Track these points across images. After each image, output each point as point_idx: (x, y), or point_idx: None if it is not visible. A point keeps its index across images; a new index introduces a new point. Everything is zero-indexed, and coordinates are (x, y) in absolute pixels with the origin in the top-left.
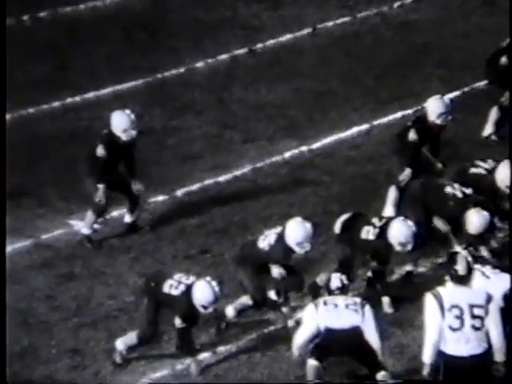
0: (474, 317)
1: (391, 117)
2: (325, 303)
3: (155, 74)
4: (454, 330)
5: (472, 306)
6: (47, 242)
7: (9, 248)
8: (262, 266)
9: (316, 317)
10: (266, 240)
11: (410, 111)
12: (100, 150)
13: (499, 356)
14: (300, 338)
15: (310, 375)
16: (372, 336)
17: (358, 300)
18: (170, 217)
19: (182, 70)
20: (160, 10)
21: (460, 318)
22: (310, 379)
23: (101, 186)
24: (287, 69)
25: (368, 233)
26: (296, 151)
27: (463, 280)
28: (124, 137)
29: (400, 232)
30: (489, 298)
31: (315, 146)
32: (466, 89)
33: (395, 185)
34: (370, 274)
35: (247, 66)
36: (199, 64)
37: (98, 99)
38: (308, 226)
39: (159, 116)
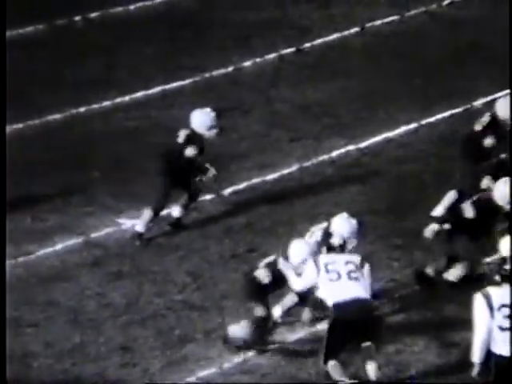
0: None
1: (439, 116)
2: (326, 269)
3: (203, 73)
4: (503, 329)
5: None
6: (97, 241)
7: (59, 246)
8: None
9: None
10: (312, 236)
11: (458, 110)
12: (191, 151)
13: None
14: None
15: (336, 375)
16: None
17: (357, 260)
18: (217, 216)
19: (229, 69)
20: (207, 10)
21: (510, 317)
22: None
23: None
24: (335, 68)
25: None
26: (343, 150)
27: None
28: (207, 135)
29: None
30: None
31: (362, 145)
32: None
33: (456, 190)
34: None
35: (295, 65)
36: (246, 63)
37: (147, 98)
38: (353, 221)
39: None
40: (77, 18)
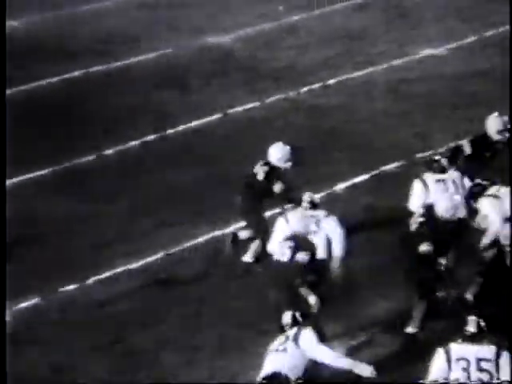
0: (481, 370)
1: None
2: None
3: (65, 160)
4: (457, 380)
5: (479, 360)
6: None
7: None
8: None
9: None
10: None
11: (321, 194)
12: (278, 187)
13: None
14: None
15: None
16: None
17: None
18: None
19: (91, 157)
20: (69, 96)
21: (466, 370)
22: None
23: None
24: (198, 154)
25: None
26: (209, 236)
27: (474, 339)
28: (283, 167)
29: None
30: (499, 353)
31: (227, 230)
32: (373, 172)
33: None
34: None
35: (158, 151)
36: (110, 151)
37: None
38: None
39: (67, 202)
40: None
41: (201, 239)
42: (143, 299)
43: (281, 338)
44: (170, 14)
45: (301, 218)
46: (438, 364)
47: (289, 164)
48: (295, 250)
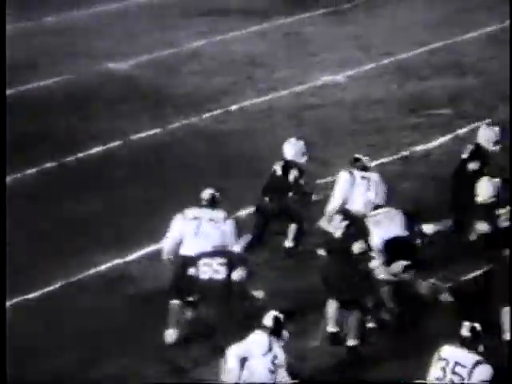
0: (454, 373)
1: None
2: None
3: None
4: (437, 379)
5: (457, 364)
6: None
7: None
8: None
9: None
10: None
11: None
12: (475, 165)
13: None
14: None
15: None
16: None
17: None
18: None
19: None
20: None
21: (444, 370)
22: None
23: None
24: (100, 180)
25: None
26: (110, 264)
27: (464, 344)
28: (492, 150)
29: None
30: (477, 364)
31: (130, 258)
32: None
33: None
34: None
35: (57, 179)
36: (8, 178)
37: None
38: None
39: None
40: None
41: (103, 267)
42: None
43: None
44: (69, 41)
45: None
46: (434, 364)
47: (305, 158)
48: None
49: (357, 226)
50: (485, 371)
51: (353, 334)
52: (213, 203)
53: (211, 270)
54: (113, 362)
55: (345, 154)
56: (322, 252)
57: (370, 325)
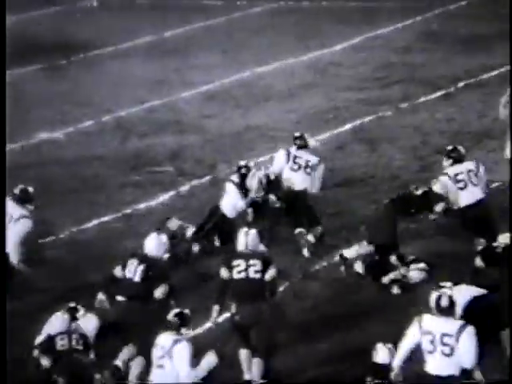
0: (443, 344)
1: None
2: None
3: None
4: (428, 352)
5: (443, 335)
6: None
7: None
8: None
9: None
10: None
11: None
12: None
13: (478, 374)
14: None
15: None
16: None
17: None
18: None
19: None
20: None
21: (433, 343)
22: None
23: None
24: None
25: None
26: None
27: (443, 312)
28: None
29: None
30: (461, 329)
31: None
32: None
33: None
34: None
35: None
36: None
37: None
38: None
39: None
40: None
41: None
42: None
43: (158, 348)
44: None
45: None
46: (412, 331)
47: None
48: None
49: None
50: (470, 333)
51: None
52: None
53: (247, 271)
54: None
55: (66, 212)
56: None
57: None
